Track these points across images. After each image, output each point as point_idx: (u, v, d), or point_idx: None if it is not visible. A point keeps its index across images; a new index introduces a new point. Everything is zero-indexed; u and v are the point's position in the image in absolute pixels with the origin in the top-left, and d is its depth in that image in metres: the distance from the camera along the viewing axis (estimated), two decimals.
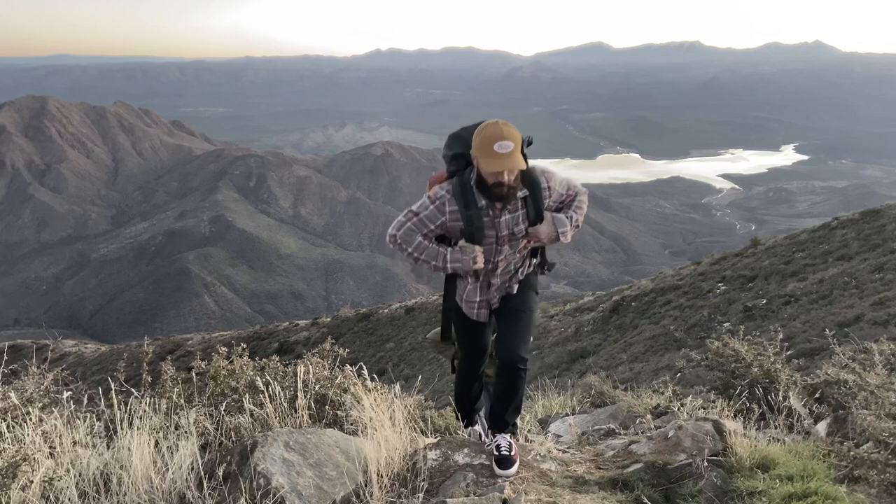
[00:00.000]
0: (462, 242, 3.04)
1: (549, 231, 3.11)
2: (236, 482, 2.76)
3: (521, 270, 3.29)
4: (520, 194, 3.01)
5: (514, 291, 3.28)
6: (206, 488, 2.77)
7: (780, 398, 3.76)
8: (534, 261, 3.34)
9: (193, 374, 3.53)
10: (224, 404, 3.27)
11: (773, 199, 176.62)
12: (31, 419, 3.00)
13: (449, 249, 3.03)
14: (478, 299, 3.26)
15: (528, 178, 3.04)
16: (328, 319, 30.88)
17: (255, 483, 2.70)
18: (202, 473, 2.83)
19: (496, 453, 3.10)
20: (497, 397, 3.26)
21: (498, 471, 3.02)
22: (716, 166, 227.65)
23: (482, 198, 2.99)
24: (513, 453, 3.09)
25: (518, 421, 3.49)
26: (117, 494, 2.71)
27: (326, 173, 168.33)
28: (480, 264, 3.03)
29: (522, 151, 2.97)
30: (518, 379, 3.17)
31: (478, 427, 3.62)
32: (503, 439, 3.14)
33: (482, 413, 4.03)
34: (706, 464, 3.03)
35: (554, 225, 3.12)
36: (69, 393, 3.41)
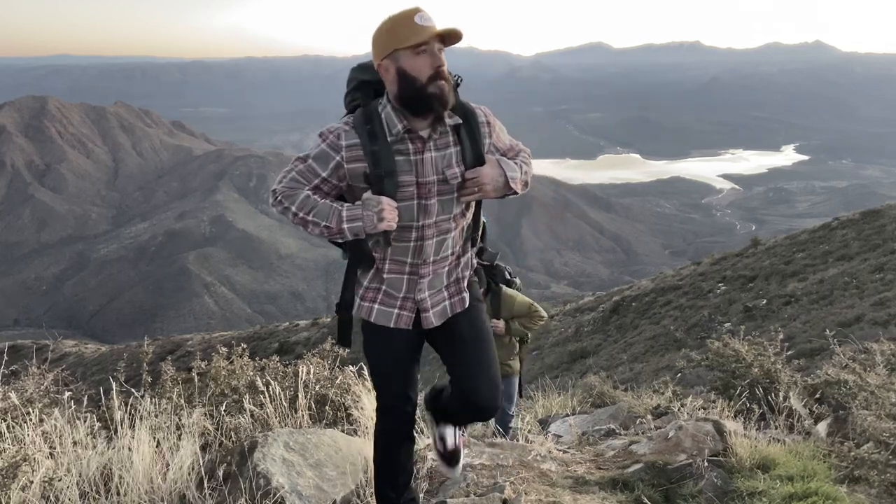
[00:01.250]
0: (366, 195, 2.10)
1: (495, 175, 2.19)
2: (236, 482, 2.75)
3: (463, 260, 2.38)
4: (449, 121, 2.17)
5: (466, 304, 2.35)
6: (206, 488, 2.77)
7: (781, 398, 3.76)
8: (472, 249, 2.44)
9: (194, 374, 3.53)
10: (224, 404, 3.27)
11: (774, 200, 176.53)
12: (31, 419, 3.00)
13: (345, 205, 2.12)
14: (401, 294, 2.28)
15: (460, 107, 2.21)
16: (328, 320, 30.87)
17: (255, 483, 2.70)
18: (203, 473, 2.83)
19: (440, 448, 2.56)
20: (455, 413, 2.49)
21: (446, 469, 2.59)
22: (716, 166, 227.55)
23: (399, 121, 2.11)
24: (458, 441, 2.55)
25: (518, 422, 3.40)
26: (118, 494, 2.70)
27: None
28: (390, 222, 2.09)
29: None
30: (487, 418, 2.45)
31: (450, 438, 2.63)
32: (447, 428, 2.55)
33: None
34: (706, 464, 3.03)
35: (501, 167, 2.21)
36: (69, 393, 3.41)
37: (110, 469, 2.80)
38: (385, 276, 2.29)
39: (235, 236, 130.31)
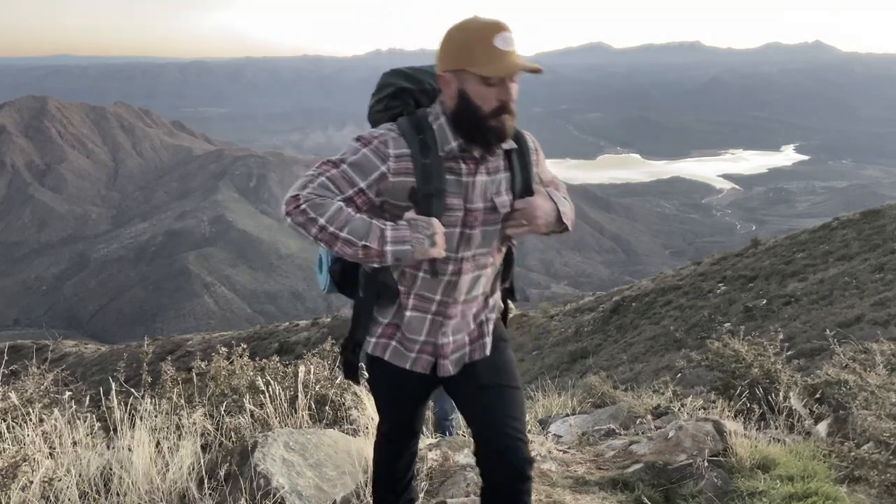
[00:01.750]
0: (410, 215, 1.81)
1: (548, 208, 1.94)
2: (237, 482, 2.75)
3: (491, 301, 2.07)
4: (505, 145, 1.91)
5: (487, 350, 2.03)
6: (206, 488, 2.77)
7: (781, 398, 3.76)
8: (503, 286, 2.13)
9: (193, 374, 3.54)
10: (224, 405, 3.27)
11: (774, 200, 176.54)
12: (31, 419, 3.00)
13: (388, 224, 1.77)
14: (422, 338, 1.97)
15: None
16: (328, 320, 30.87)
17: (255, 483, 2.70)
18: (203, 474, 2.83)
19: None
20: None
21: None
22: (716, 166, 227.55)
23: (454, 137, 1.85)
24: None
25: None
26: (117, 495, 2.70)
27: None
28: (441, 249, 1.80)
29: None
30: (520, 499, 1.93)
31: None
32: None
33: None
34: (706, 464, 3.03)
35: (552, 200, 1.97)
36: (69, 393, 3.41)
37: (110, 469, 2.80)
38: (407, 313, 1.96)
39: (235, 236, 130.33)
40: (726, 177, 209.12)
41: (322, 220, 1.73)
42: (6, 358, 3.56)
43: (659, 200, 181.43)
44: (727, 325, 14.45)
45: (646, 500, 2.84)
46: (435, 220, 1.79)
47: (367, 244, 1.73)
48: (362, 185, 1.81)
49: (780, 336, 4.54)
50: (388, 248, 1.74)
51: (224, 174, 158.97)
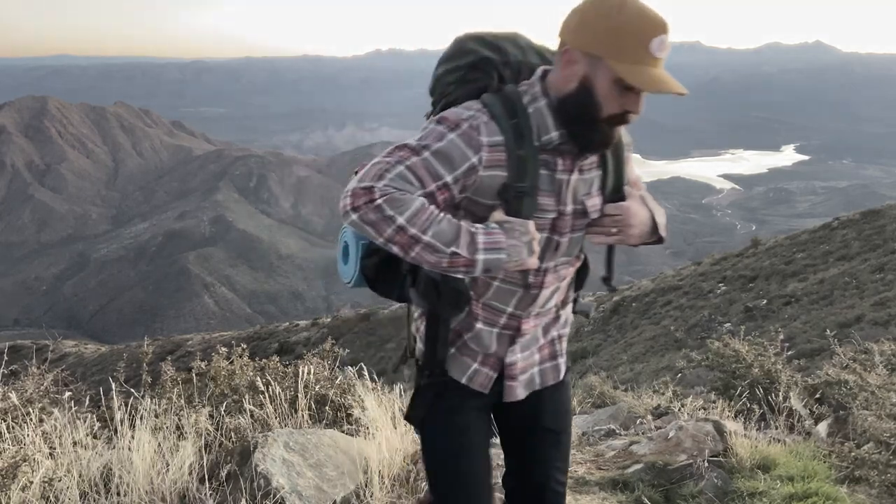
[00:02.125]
0: (501, 216, 1.51)
1: (644, 217, 1.68)
2: (237, 483, 2.75)
3: (563, 314, 1.78)
4: None
5: (561, 374, 1.79)
6: (206, 489, 2.77)
7: (781, 399, 3.76)
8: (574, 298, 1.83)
9: (193, 374, 3.53)
10: (224, 405, 3.27)
11: (774, 200, 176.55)
12: (31, 419, 3.00)
13: (479, 227, 1.47)
14: (492, 349, 1.65)
15: None
16: (328, 320, 30.89)
17: (255, 484, 2.70)
18: (203, 474, 2.83)
19: None
20: None
21: None
22: (716, 166, 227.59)
23: (556, 126, 1.53)
24: None
25: None
26: (118, 495, 2.70)
27: (327, 173, 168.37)
28: (536, 259, 1.53)
29: None
30: None
31: None
32: None
33: None
34: (707, 464, 3.03)
35: (647, 207, 1.71)
36: (69, 393, 3.41)
37: (110, 469, 2.80)
38: (477, 325, 1.64)
39: (235, 236, 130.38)
40: (726, 177, 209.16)
41: (401, 220, 1.40)
42: (6, 358, 3.56)
43: (659, 200, 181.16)
44: (727, 325, 14.45)
45: (646, 501, 2.84)
46: (531, 224, 1.50)
47: (457, 251, 1.43)
48: (448, 178, 1.48)
49: (781, 336, 4.54)
50: (480, 256, 1.44)
51: (224, 174, 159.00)
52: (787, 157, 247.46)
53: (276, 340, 28.03)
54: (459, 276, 1.49)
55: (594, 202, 1.64)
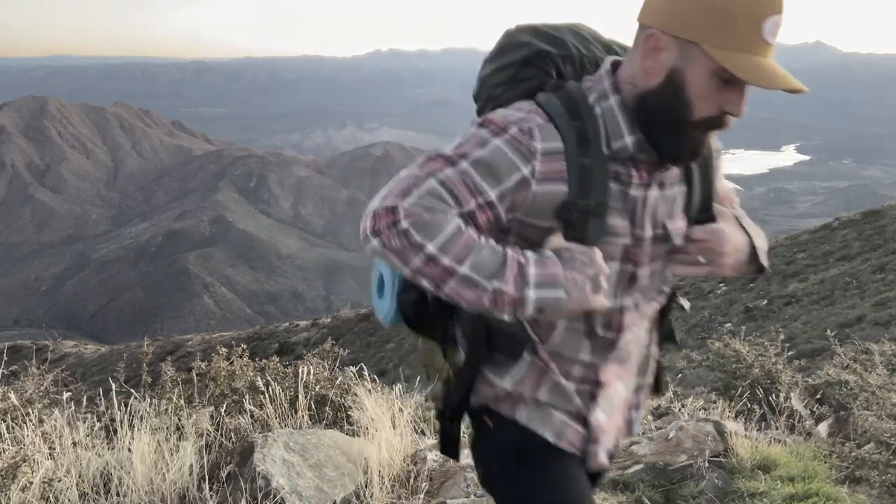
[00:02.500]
0: (559, 242, 1.21)
1: (739, 242, 1.34)
2: (237, 483, 2.75)
3: (651, 360, 1.45)
4: None
5: (637, 427, 1.47)
6: (206, 489, 2.76)
7: (782, 399, 3.75)
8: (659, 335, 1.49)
9: (193, 375, 3.53)
10: (224, 405, 3.27)
11: (774, 200, 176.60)
12: (30, 420, 3.00)
13: (529, 255, 1.17)
14: (574, 404, 1.33)
15: None
16: (328, 320, 30.89)
17: (255, 484, 2.70)
18: (203, 474, 2.83)
19: None
20: None
21: None
22: None
23: (630, 129, 1.24)
24: None
25: None
26: (117, 495, 2.70)
27: (327, 174, 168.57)
28: (605, 298, 1.21)
29: None
30: None
31: None
32: None
33: None
34: (707, 465, 3.02)
35: (744, 230, 1.37)
36: (69, 394, 3.41)
37: (110, 470, 2.80)
38: (555, 377, 1.30)
39: (235, 236, 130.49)
40: (727, 177, 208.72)
41: (431, 247, 1.09)
42: (6, 358, 3.56)
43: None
44: (728, 325, 14.46)
45: (646, 501, 2.84)
46: (598, 252, 1.18)
47: (501, 287, 1.11)
48: (492, 194, 1.16)
49: (781, 336, 4.55)
50: (531, 293, 1.12)
51: (224, 174, 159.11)
52: (788, 157, 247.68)
53: (276, 341, 28.03)
54: (505, 317, 1.15)
55: (678, 225, 1.31)
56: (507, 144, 1.16)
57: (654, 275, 1.33)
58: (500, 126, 1.19)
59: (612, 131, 1.22)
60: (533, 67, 1.30)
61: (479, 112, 1.37)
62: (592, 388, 1.32)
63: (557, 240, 1.20)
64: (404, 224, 1.10)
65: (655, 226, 1.29)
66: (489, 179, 1.16)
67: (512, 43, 1.33)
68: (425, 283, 1.14)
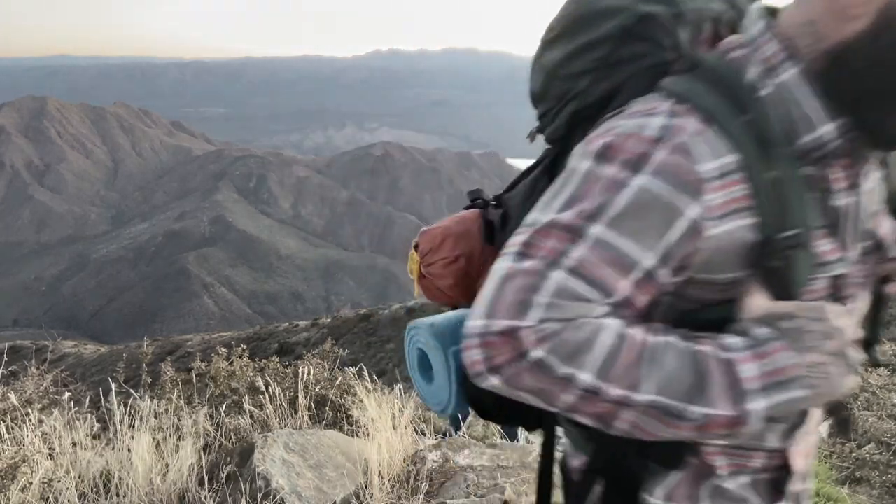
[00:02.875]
0: (763, 304, 0.76)
1: None
2: (237, 483, 2.75)
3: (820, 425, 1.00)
4: None
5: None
6: (206, 489, 2.76)
7: None
8: None
9: (193, 375, 3.53)
10: (224, 405, 3.27)
11: None
12: (30, 420, 2.99)
13: (736, 345, 0.74)
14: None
15: None
16: (328, 320, 30.88)
17: (255, 484, 2.70)
18: (203, 475, 2.82)
19: None
20: None
21: None
22: None
23: (827, 114, 0.78)
24: None
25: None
26: (117, 496, 2.70)
27: (326, 174, 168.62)
28: (854, 374, 0.75)
29: None
30: None
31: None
32: None
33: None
34: None
35: None
36: (69, 394, 3.41)
37: (110, 470, 2.80)
38: (715, 481, 0.87)
39: (235, 236, 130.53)
40: None
41: (586, 378, 0.72)
42: (6, 359, 3.56)
43: None
44: None
45: None
46: (833, 310, 0.76)
47: (708, 412, 0.72)
48: (650, 261, 0.75)
49: None
50: (754, 406, 0.72)
51: (224, 174, 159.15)
52: None
53: (275, 341, 28.02)
54: (700, 435, 0.76)
55: (885, 226, 0.92)
56: (657, 179, 0.75)
57: (862, 304, 0.92)
58: (635, 153, 0.76)
59: (799, 119, 0.80)
60: (639, 42, 0.88)
61: (543, 118, 0.98)
62: (777, 476, 0.89)
63: (759, 300, 0.78)
64: (536, 354, 0.72)
65: (859, 235, 0.87)
66: (641, 239, 0.75)
67: (595, 9, 0.90)
68: (587, 421, 0.77)
